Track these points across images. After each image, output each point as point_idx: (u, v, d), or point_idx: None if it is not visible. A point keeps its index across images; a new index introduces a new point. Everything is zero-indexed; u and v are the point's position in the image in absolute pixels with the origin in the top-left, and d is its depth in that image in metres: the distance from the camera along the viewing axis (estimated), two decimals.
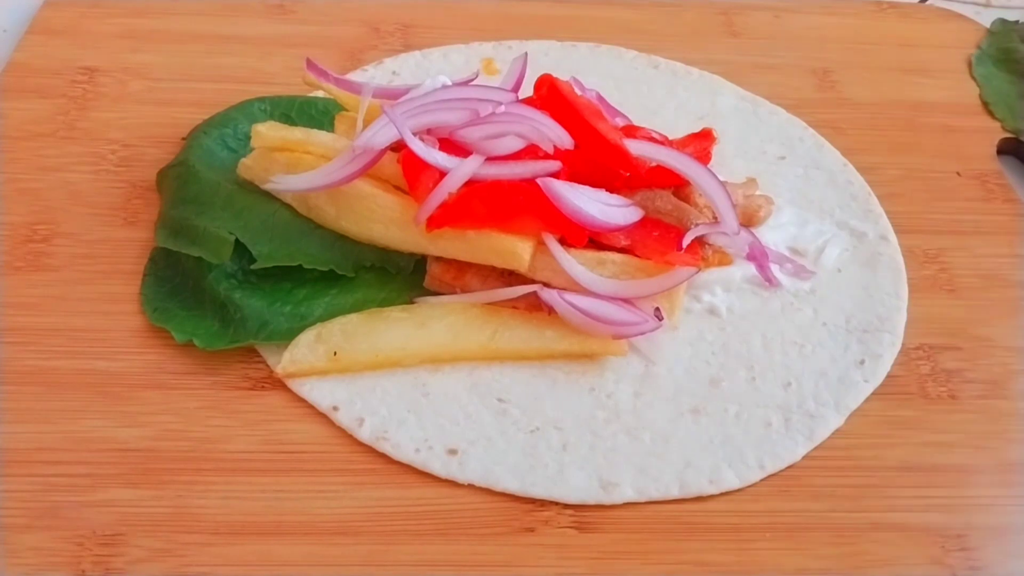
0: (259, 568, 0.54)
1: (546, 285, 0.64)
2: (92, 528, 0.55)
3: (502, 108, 0.66)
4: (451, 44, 0.88)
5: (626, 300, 0.64)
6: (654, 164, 0.68)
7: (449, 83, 0.70)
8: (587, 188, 0.65)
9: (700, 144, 0.73)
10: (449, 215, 0.62)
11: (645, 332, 0.63)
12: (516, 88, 0.70)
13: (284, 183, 0.66)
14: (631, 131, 0.70)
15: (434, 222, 0.62)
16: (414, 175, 0.64)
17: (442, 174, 0.64)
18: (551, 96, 0.68)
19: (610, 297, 0.63)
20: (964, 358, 0.68)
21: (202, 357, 0.63)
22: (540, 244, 0.64)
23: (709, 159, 0.73)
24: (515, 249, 0.63)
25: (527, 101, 0.69)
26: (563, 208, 0.63)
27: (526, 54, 0.72)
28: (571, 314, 0.63)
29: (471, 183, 0.64)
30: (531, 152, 0.66)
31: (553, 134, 0.66)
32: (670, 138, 0.73)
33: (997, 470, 0.61)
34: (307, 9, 0.91)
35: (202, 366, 0.63)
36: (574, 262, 0.63)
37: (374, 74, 0.84)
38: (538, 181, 0.63)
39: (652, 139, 0.70)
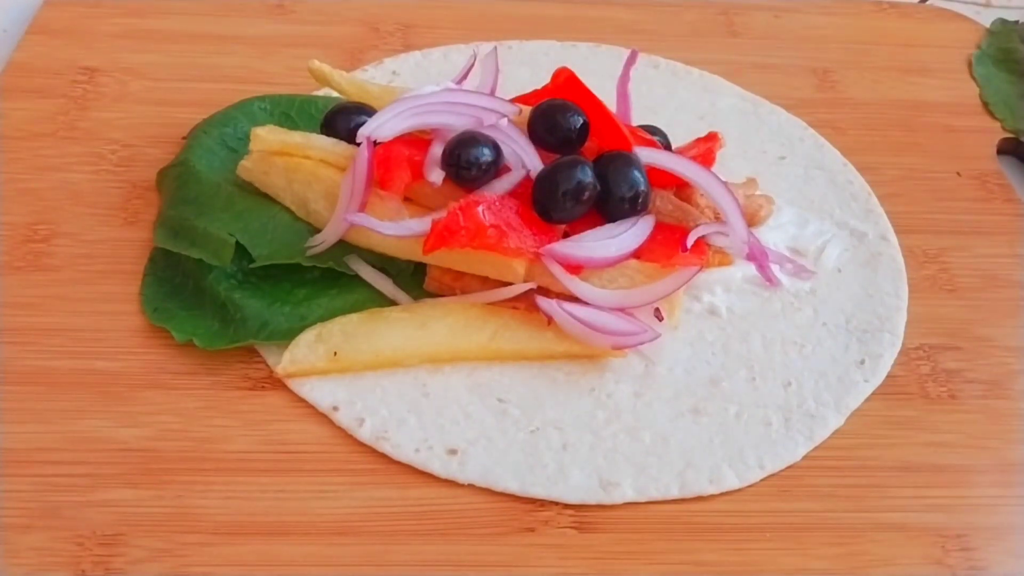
0: (259, 568, 0.54)
1: (547, 289, 0.64)
2: (92, 528, 0.55)
3: (504, 121, 0.66)
4: (451, 44, 0.88)
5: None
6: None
7: (454, 86, 0.70)
8: (589, 232, 0.65)
9: (704, 146, 0.73)
10: (443, 237, 0.62)
11: (644, 342, 0.63)
12: (491, 90, 0.71)
13: (322, 239, 0.65)
14: (636, 133, 0.71)
15: (429, 244, 0.62)
16: (386, 171, 0.65)
17: (414, 172, 0.64)
18: (568, 86, 0.68)
19: (611, 307, 0.64)
20: (964, 358, 0.68)
21: (202, 357, 0.63)
22: (538, 254, 0.64)
23: (713, 161, 0.73)
24: (510, 263, 0.63)
25: (528, 98, 0.69)
26: (577, 263, 0.63)
27: (495, 50, 0.73)
28: (570, 324, 0.63)
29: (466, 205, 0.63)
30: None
31: (529, 161, 0.66)
32: (670, 139, 0.73)
33: (997, 470, 0.62)
34: (307, 9, 0.91)
35: (202, 366, 0.63)
36: (575, 279, 0.63)
37: (374, 74, 0.84)
38: (542, 251, 0.63)
39: (654, 143, 0.70)
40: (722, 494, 0.59)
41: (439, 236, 0.62)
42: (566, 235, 0.65)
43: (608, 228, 0.65)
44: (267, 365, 0.63)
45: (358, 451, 0.59)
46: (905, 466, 0.61)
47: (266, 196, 0.69)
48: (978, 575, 0.56)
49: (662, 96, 0.84)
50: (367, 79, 0.79)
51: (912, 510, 0.59)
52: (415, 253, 0.64)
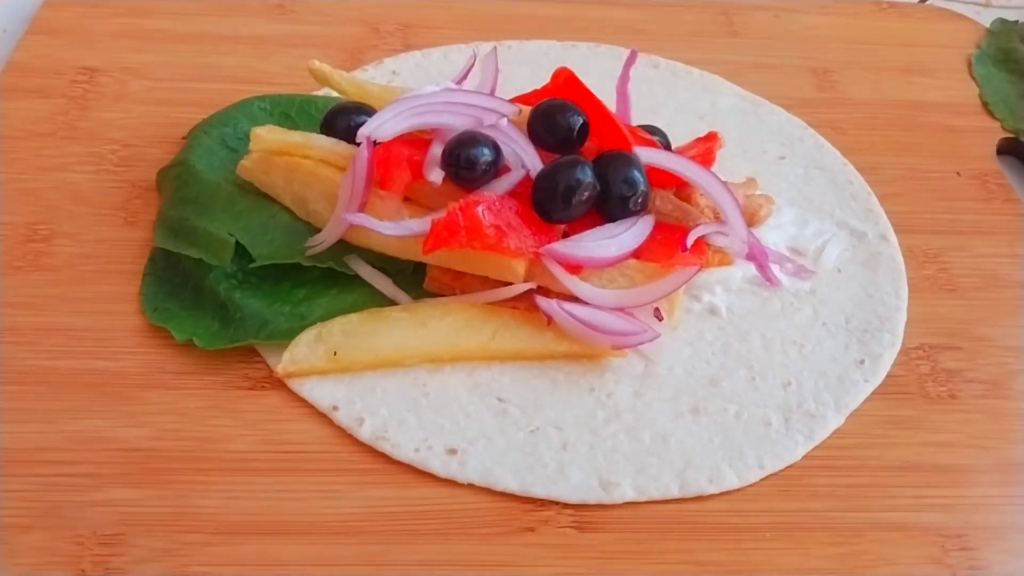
0: (259, 568, 0.54)
1: (547, 289, 0.64)
2: (92, 528, 0.55)
3: (504, 121, 0.67)
4: (451, 44, 0.88)
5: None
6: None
7: (454, 86, 0.70)
8: (589, 232, 0.65)
9: (704, 146, 0.73)
10: (443, 237, 0.62)
11: (644, 342, 0.63)
12: (491, 90, 0.71)
13: (321, 239, 0.65)
14: (636, 133, 0.71)
15: (428, 244, 0.62)
16: (386, 171, 0.65)
17: (414, 171, 0.64)
18: (568, 86, 0.68)
19: (611, 307, 0.64)
20: (964, 358, 0.68)
21: (202, 357, 0.63)
22: (537, 254, 0.64)
23: (713, 161, 0.73)
24: (510, 263, 0.63)
25: (528, 98, 0.69)
26: (577, 262, 0.63)
27: (495, 50, 0.73)
28: (569, 324, 0.63)
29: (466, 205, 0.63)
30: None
31: (529, 161, 0.66)
32: (670, 139, 0.73)
33: (997, 470, 0.62)
34: (307, 9, 0.91)
35: (202, 366, 0.63)
36: (575, 279, 0.63)
37: (374, 74, 0.84)
38: (541, 251, 0.63)
39: (654, 143, 0.70)
40: (722, 494, 0.59)
41: (439, 236, 0.62)
42: (566, 235, 0.65)
43: (608, 228, 0.65)
44: (267, 365, 0.63)
45: (358, 451, 0.59)
46: (905, 466, 0.61)
47: (266, 196, 0.69)
48: (978, 575, 0.56)
49: (662, 96, 0.84)
50: (367, 79, 0.79)
51: (912, 510, 0.59)
52: (415, 253, 0.64)
